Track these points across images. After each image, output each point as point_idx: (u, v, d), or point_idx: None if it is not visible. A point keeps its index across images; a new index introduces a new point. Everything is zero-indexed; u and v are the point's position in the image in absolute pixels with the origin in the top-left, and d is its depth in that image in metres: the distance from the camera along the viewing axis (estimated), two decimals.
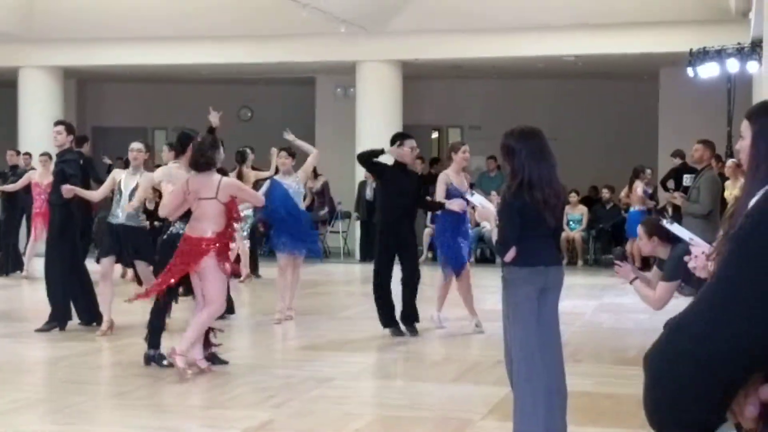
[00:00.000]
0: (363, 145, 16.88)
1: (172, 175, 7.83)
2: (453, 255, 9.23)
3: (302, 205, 10.31)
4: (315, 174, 17.35)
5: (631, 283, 5.21)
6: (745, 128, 2.76)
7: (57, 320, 9.26)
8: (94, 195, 9.36)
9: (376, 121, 16.91)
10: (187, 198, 7.27)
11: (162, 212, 7.72)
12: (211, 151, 7.25)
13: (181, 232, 7.44)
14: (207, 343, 7.64)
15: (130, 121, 20.65)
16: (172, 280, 7.28)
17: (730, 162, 10.98)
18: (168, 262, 7.36)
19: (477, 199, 5.69)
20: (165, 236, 7.78)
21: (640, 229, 5.29)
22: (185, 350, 7.22)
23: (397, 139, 9.29)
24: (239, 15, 16.14)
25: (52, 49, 17.62)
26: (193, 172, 7.29)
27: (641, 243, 5.30)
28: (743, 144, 2.75)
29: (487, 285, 11.55)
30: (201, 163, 7.21)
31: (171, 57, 17.46)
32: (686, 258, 4.08)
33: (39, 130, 16.68)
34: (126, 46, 17.24)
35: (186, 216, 7.40)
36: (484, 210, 5.44)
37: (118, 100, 21.40)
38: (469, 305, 9.50)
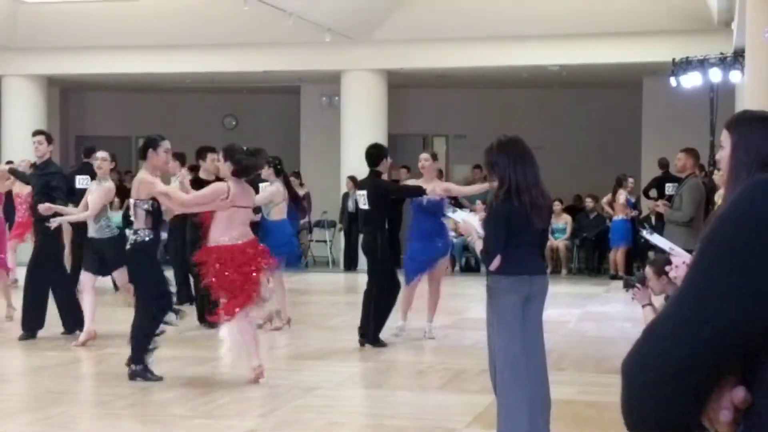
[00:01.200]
0: (348, 154, 16.94)
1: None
2: (413, 265, 9.33)
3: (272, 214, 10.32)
4: (300, 182, 17.35)
5: (643, 307, 5.23)
6: (725, 138, 2.78)
7: (31, 328, 9.22)
8: (72, 211, 9.06)
9: (361, 130, 16.92)
10: (220, 204, 7.21)
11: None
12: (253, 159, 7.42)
13: (147, 239, 7.34)
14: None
15: (114, 130, 20.59)
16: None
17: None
18: (138, 272, 7.34)
19: (459, 215, 5.77)
20: (130, 245, 7.49)
21: (648, 270, 5.24)
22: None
23: (385, 153, 9.27)
24: (224, 23, 16.13)
25: (35, 58, 17.56)
26: (232, 180, 7.27)
27: (651, 283, 5.21)
28: (723, 154, 2.76)
29: (472, 294, 11.58)
30: (249, 171, 7.40)
31: (155, 66, 17.43)
32: (667, 268, 4.10)
33: (22, 139, 16.60)
34: (110, 55, 17.20)
35: (156, 224, 7.38)
36: (466, 224, 5.49)
37: (101, 108, 21.34)
38: (432, 311, 9.57)
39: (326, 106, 19.30)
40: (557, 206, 16.20)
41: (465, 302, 12.22)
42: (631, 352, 1.26)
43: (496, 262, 5.07)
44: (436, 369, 8.20)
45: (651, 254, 15.93)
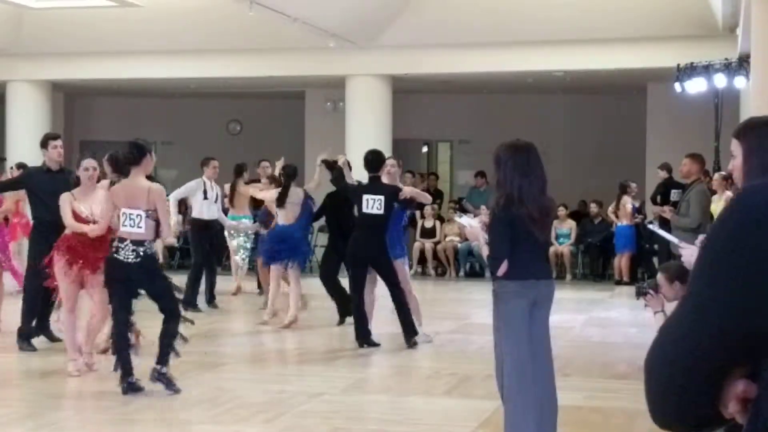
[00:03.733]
0: (353, 160, 16.88)
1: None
2: None
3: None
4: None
5: (654, 313, 5.25)
6: (735, 147, 2.78)
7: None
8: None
9: (365, 135, 16.92)
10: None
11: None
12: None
13: None
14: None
15: (119, 135, 20.55)
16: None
17: (716, 176, 11.02)
18: None
19: (465, 220, 5.77)
20: None
21: (660, 276, 5.24)
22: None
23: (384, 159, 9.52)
24: (228, 29, 16.15)
25: (40, 63, 17.59)
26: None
27: (663, 290, 5.21)
28: (735, 163, 2.76)
29: (477, 299, 11.56)
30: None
31: (160, 71, 17.45)
32: (679, 251, 4.07)
33: (27, 144, 16.62)
34: (114, 60, 17.23)
35: None
36: (472, 230, 5.48)
37: (106, 114, 21.37)
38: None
39: (331, 112, 19.31)
40: (562, 212, 16.18)
41: (470, 307, 12.21)
42: (650, 350, 1.35)
43: (503, 267, 5.06)
44: (442, 374, 8.19)
45: (656, 260, 15.97)
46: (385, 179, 9.38)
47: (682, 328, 1.30)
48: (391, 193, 9.16)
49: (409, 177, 18.96)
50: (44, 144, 9.20)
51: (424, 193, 10.64)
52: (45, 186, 8.90)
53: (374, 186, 9.30)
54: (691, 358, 1.29)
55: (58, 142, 9.19)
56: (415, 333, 9.23)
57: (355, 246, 9.23)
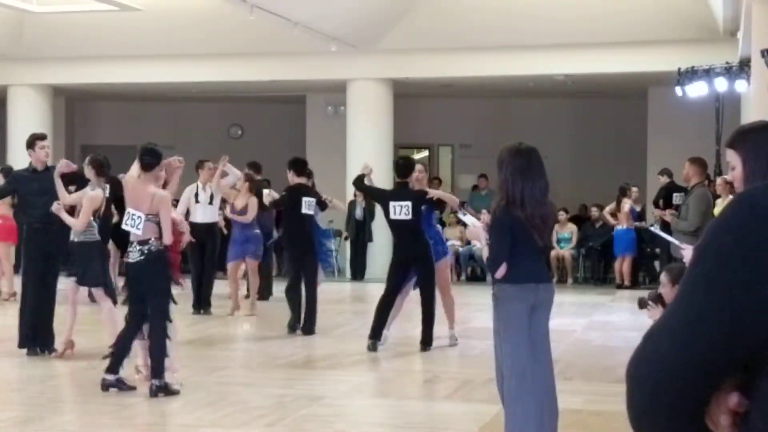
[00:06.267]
0: (354, 164, 16.93)
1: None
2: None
3: None
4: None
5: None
6: (732, 156, 2.78)
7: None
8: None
9: (366, 139, 16.94)
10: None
11: None
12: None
13: None
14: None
15: (120, 139, 20.61)
16: None
17: (720, 180, 11.02)
18: None
19: (468, 219, 5.76)
20: None
21: (663, 277, 5.24)
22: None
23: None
24: (229, 33, 16.17)
25: (41, 68, 17.61)
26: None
27: (664, 291, 5.19)
28: (736, 174, 2.76)
29: (478, 303, 11.56)
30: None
31: (161, 75, 17.47)
32: (680, 253, 4.09)
33: None
34: (115, 64, 17.25)
35: None
36: (474, 229, 5.48)
37: (107, 118, 21.39)
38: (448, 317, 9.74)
39: (332, 116, 19.32)
40: (563, 215, 16.18)
41: (471, 311, 12.20)
42: (635, 358, 1.27)
43: (501, 269, 5.06)
44: (443, 378, 8.19)
45: (657, 264, 15.94)
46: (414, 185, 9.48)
47: (674, 336, 1.21)
48: (417, 198, 9.20)
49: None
50: (31, 144, 9.08)
51: (450, 195, 10.75)
52: (34, 187, 8.83)
53: (401, 192, 9.39)
54: (683, 367, 1.20)
55: (46, 143, 9.13)
56: (431, 343, 9.37)
57: (399, 250, 9.39)
